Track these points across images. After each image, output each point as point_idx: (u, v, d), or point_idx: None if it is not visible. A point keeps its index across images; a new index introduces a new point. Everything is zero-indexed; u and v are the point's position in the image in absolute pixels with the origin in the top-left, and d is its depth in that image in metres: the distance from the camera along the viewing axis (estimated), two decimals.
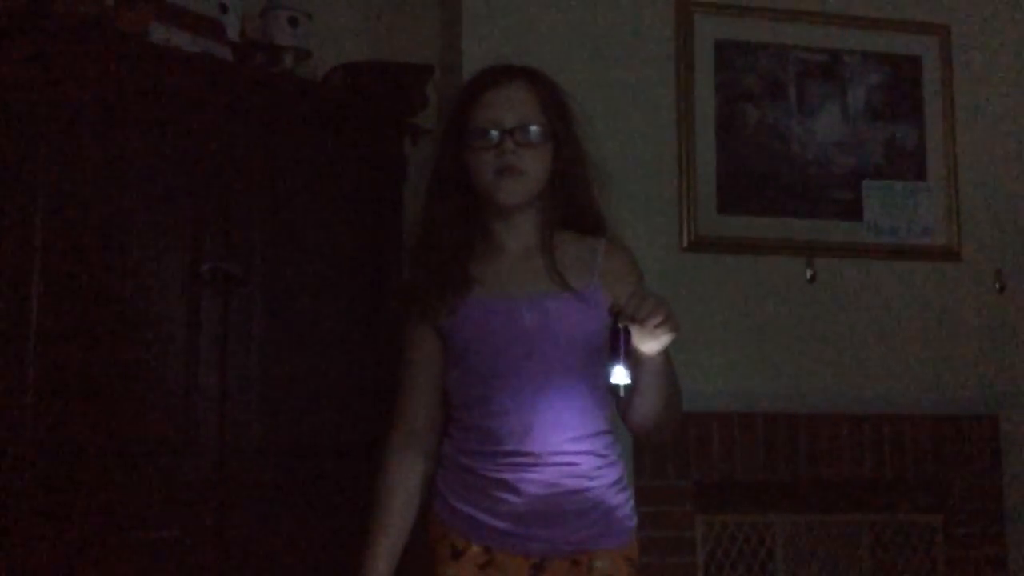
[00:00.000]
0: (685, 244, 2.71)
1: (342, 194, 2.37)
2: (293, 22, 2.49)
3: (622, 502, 1.61)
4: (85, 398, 1.97)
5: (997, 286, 2.88)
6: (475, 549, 1.56)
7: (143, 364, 2.05)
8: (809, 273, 2.78)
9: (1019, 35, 3.00)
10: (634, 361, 1.48)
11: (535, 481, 1.53)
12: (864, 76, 2.91)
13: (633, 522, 1.63)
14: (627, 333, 1.43)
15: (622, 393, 1.45)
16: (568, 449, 1.55)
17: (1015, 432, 2.82)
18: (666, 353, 1.53)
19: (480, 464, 1.56)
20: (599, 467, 1.58)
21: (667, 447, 2.57)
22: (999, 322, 2.87)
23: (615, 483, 1.61)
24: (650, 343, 1.47)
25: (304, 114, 2.36)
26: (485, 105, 1.60)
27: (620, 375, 1.44)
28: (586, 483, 1.56)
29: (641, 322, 1.43)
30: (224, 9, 2.35)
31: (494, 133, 1.58)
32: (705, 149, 2.77)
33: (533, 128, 1.59)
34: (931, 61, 2.93)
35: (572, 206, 1.65)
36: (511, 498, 1.54)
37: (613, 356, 1.44)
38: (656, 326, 1.44)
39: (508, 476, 1.54)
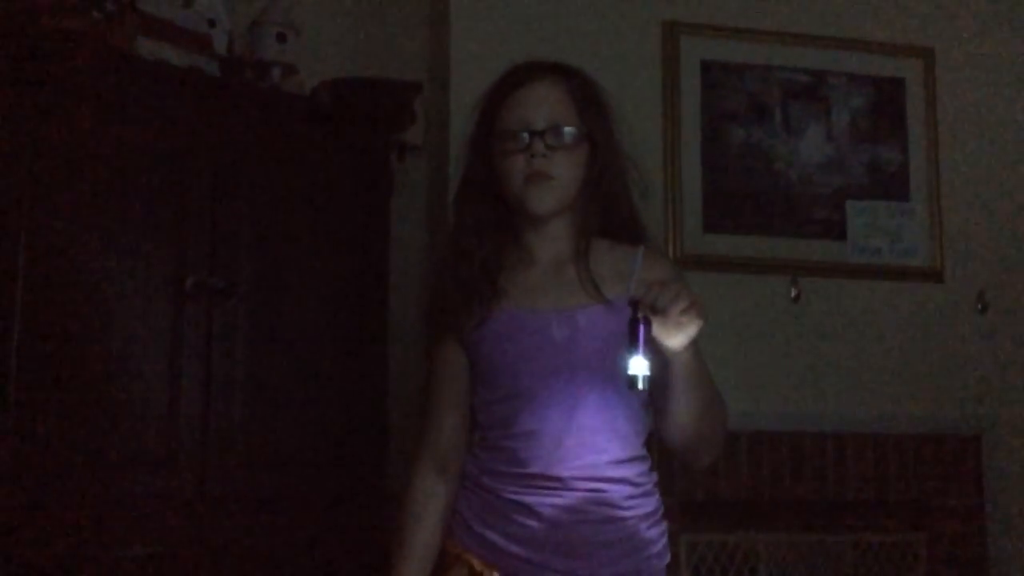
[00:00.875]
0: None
1: (329, 209, 2.37)
2: (281, 37, 2.50)
3: (655, 537, 1.48)
4: (67, 411, 1.95)
5: (979, 307, 2.90)
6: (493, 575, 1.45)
7: (126, 377, 2.03)
8: (794, 292, 2.80)
9: (1001, 58, 3.04)
10: (662, 361, 1.36)
11: (558, 506, 1.43)
12: (848, 97, 2.94)
13: (665, 561, 1.50)
14: (647, 323, 1.31)
15: (641, 385, 1.31)
16: (598, 475, 1.44)
17: (997, 452, 2.83)
18: (698, 353, 1.41)
19: (503, 486, 1.46)
20: (631, 496, 1.46)
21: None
22: (981, 343, 2.89)
23: (648, 515, 1.48)
24: (675, 335, 1.34)
25: (291, 129, 2.36)
26: (514, 105, 1.49)
27: (638, 365, 1.31)
28: (615, 512, 1.44)
29: (663, 311, 1.30)
30: (212, 24, 2.35)
31: (524, 135, 1.46)
32: (691, 168, 2.78)
33: (566, 129, 1.47)
34: (915, 83, 2.96)
35: (609, 214, 1.54)
36: (531, 523, 1.43)
37: (631, 347, 1.31)
38: (681, 313, 1.31)
39: (530, 499, 1.43)
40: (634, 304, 1.33)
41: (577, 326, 1.45)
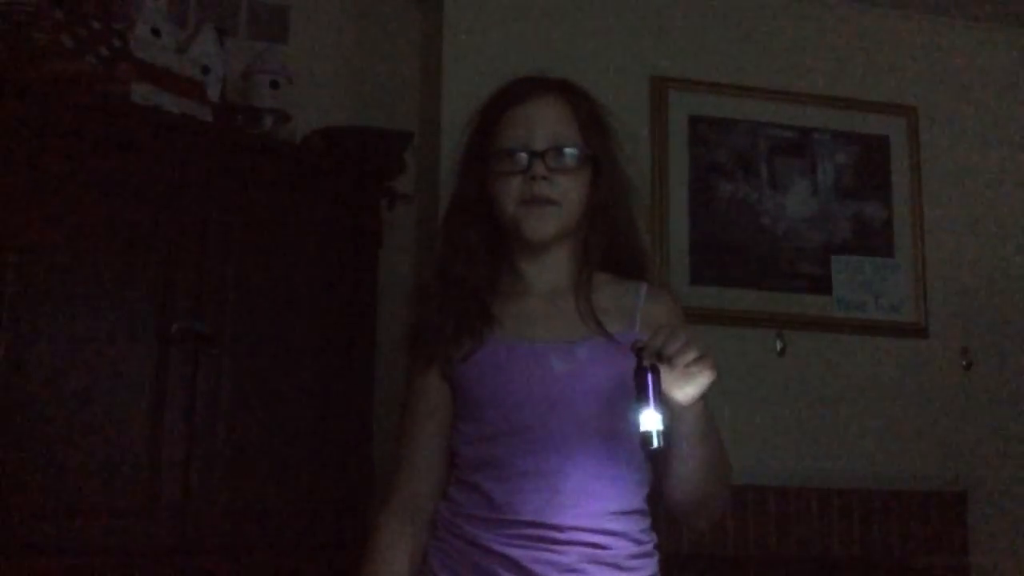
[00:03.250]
0: None
1: (317, 257, 2.37)
2: (274, 85, 2.52)
3: None
4: (46, 457, 1.93)
5: (963, 363, 2.91)
6: None
7: (107, 423, 2.01)
8: (779, 345, 2.81)
9: (984, 116, 3.09)
10: (669, 415, 1.23)
11: (552, 563, 1.25)
12: (833, 154, 2.97)
13: None
14: (656, 372, 1.19)
15: (656, 443, 1.17)
16: (598, 526, 1.27)
17: (983, 510, 2.83)
18: (706, 407, 1.28)
19: (486, 534, 1.28)
20: (634, 555, 1.31)
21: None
22: (965, 399, 2.90)
23: None
24: (685, 388, 1.21)
25: (282, 176, 2.36)
26: (512, 122, 1.37)
27: (651, 420, 1.17)
28: (616, 574, 1.28)
29: (669, 360, 1.18)
30: (206, 70, 2.36)
31: (522, 156, 1.35)
32: (678, 220, 2.81)
33: (568, 150, 1.36)
34: (898, 141, 3.01)
35: (612, 243, 1.41)
36: None
37: (641, 400, 1.18)
38: (688, 365, 1.19)
39: (519, 553, 1.26)
40: (639, 351, 1.20)
41: (578, 361, 1.31)
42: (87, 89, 2.06)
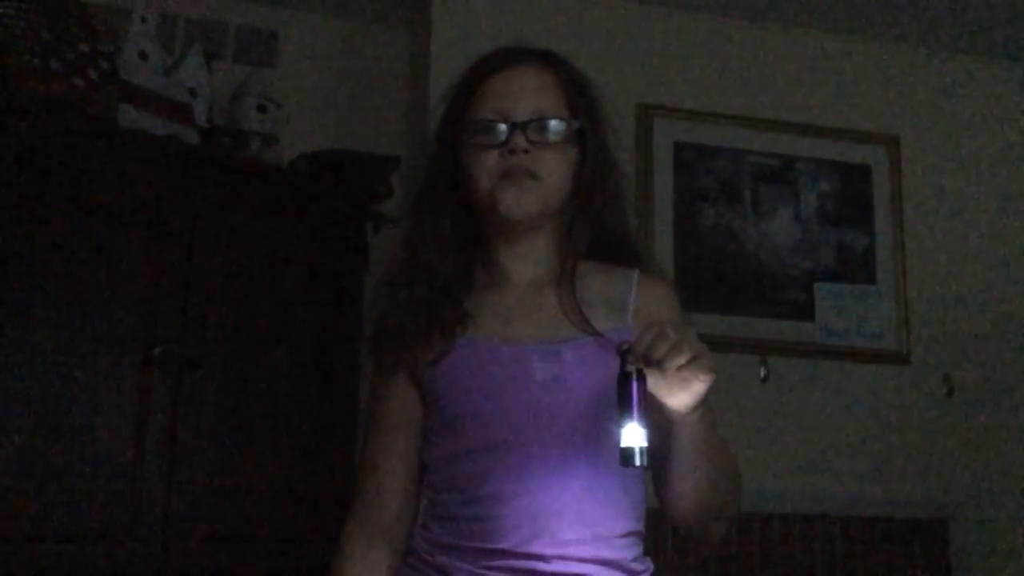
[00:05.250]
0: None
1: (303, 280, 2.37)
2: (261, 109, 2.52)
3: None
4: (27, 481, 1.91)
5: (945, 390, 2.93)
6: None
7: (89, 446, 2.00)
8: (763, 372, 2.82)
9: (965, 147, 3.12)
10: (664, 423, 1.10)
11: None
12: (816, 182, 3.00)
13: None
14: (641, 379, 1.03)
15: (638, 461, 1.01)
16: (586, 555, 1.12)
17: (964, 536, 2.83)
18: (708, 414, 1.12)
19: (461, 564, 1.14)
20: None
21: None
22: (947, 427, 2.91)
23: None
24: (679, 394, 1.06)
25: (268, 199, 2.37)
26: (491, 92, 1.23)
27: (633, 435, 1.01)
28: None
29: (659, 364, 1.03)
30: (194, 93, 2.37)
31: (501, 127, 1.20)
32: (663, 246, 2.82)
33: (553, 123, 1.21)
34: (880, 170, 3.04)
35: (599, 229, 1.26)
36: None
37: (623, 411, 1.02)
38: (680, 368, 1.03)
39: None
40: (623, 355, 1.04)
41: (563, 363, 1.16)
42: (74, 111, 2.06)
